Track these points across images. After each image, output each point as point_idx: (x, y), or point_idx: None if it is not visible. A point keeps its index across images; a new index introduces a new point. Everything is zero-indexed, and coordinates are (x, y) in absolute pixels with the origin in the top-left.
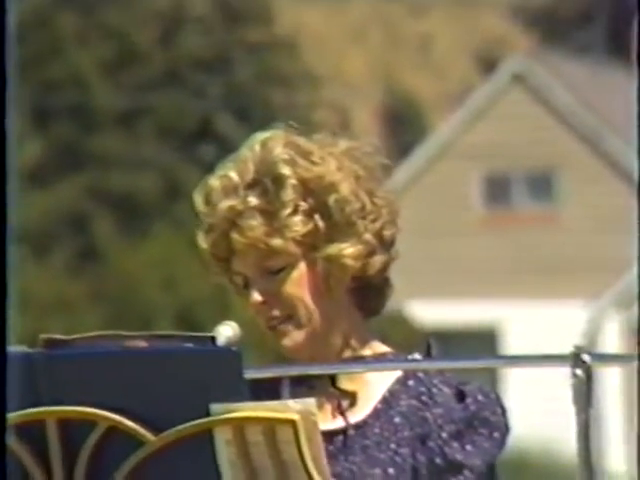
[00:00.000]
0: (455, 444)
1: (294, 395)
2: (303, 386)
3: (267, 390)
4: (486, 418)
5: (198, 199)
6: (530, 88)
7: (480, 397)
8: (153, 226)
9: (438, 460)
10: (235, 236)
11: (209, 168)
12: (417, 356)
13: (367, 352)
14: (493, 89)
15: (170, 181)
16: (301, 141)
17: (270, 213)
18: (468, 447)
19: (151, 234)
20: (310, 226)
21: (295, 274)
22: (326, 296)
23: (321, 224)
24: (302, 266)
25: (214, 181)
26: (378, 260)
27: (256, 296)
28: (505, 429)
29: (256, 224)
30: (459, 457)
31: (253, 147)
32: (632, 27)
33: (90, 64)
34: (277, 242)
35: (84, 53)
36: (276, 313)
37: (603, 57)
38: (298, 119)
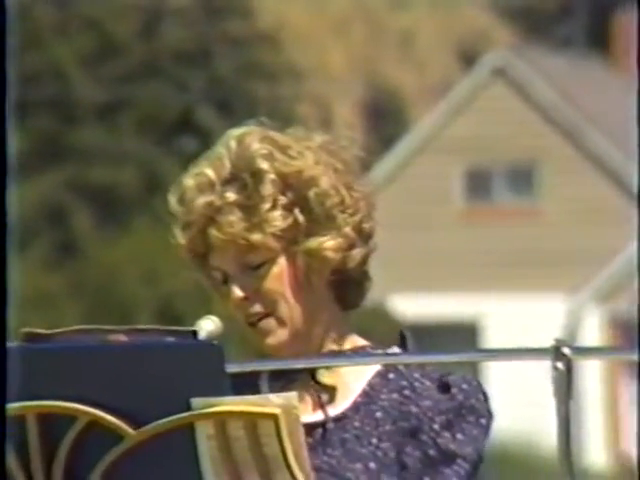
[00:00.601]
0: (447, 434)
1: (273, 389)
2: (282, 380)
3: (246, 384)
4: (472, 405)
5: (172, 199)
6: (511, 82)
7: (465, 386)
8: (133, 219)
9: (432, 452)
10: (214, 232)
11: (190, 161)
12: (396, 349)
13: (347, 346)
14: (474, 83)
15: (150, 174)
16: (277, 136)
17: (249, 208)
18: (459, 436)
19: (131, 227)
20: (290, 220)
21: (275, 269)
22: (307, 290)
23: (301, 218)
24: (282, 261)
25: (188, 180)
26: (358, 253)
27: (237, 292)
28: (489, 415)
29: (235, 219)
30: (452, 447)
31: (228, 144)
32: (612, 21)
33: (70, 56)
34: (257, 237)
35: (64, 45)
36: (257, 309)
37: (583, 51)
38: (280, 112)
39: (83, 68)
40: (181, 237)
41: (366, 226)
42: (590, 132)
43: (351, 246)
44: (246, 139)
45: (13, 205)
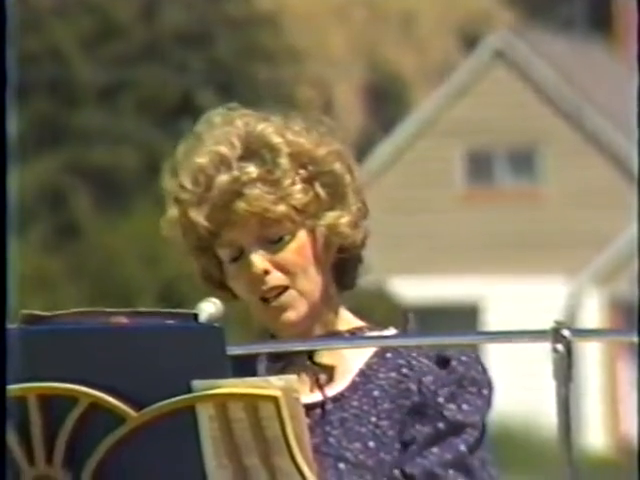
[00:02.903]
0: (452, 406)
1: (271, 371)
2: (280, 362)
3: (244, 366)
4: (473, 377)
5: (183, 180)
6: (512, 64)
7: (464, 358)
8: (133, 202)
9: (441, 425)
10: (242, 205)
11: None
12: (393, 331)
13: (345, 325)
14: (475, 66)
15: (151, 156)
16: (273, 117)
17: (272, 181)
18: (464, 406)
19: (131, 210)
20: (311, 195)
21: (296, 242)
22: (322, 265)
23: (321, 192)
24: (302, 234)
25: (200, 159)
26: (361, 232)
27: (259, 263)
28: (489, 386)
29: (261, 193)
30: (460, 417)
31: (232, 122)
32: (613, 3)
33: (70, 38)
34: (282, 209)
35: (64, 27)
36: (277, 282)
37: (585, 33)
38: (280, 95)
39: (83, 50)
40: (197, 214)
41: (365, 206)
42: (591, 114)
43: (357, 224)
44: (249, 120)
45: (13, 187)
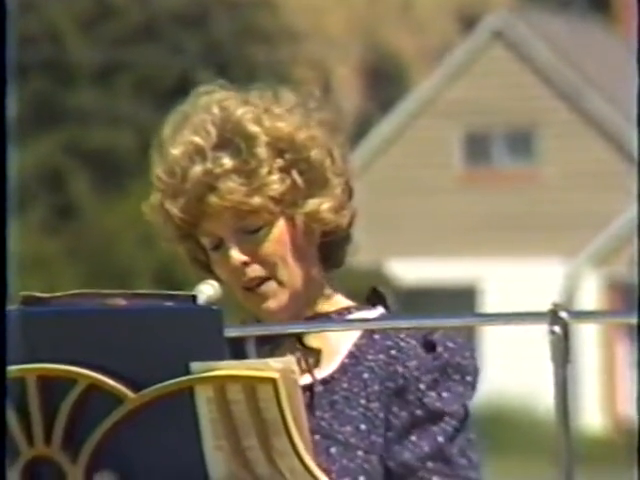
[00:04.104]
0: (433, 393)
1: (260, 354)
2: (268, 344)
3: (232, 349)
4: (458, 363)
5: (159, 171)
6: (510, 45)
7: (450, 344)
8: (131, 183)
9: (419, 412)
10: (214, 199)
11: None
12: (381, 310)
13: (333, 306)
14: (473, 46)
15: (147, 138)
16: (256, 99)
17: (247, 173)
18: (445, 394)
19: (129, 191)
20: (288, 183)
21: (275, 232)
22: (304, 252)
23: (299, 180)
24: (281, 224)
25: (173, 150)
26: (347, 214)
27: (237, 256)
28: (475, 371)
29: (235, 186)
30: (438, 405)
31: (209, 109)
32: None
33: (67, 18)
34: (258, 201)
35: (60, 7)
36: (256, 273)
37: (584, 13)
38: (278, 76)
39: (80, 30)
40: (172, 206)
41: (350, 187)
42: (590, 95)
43: (342, 207)
44: (228, 104)
45: (10, 169)
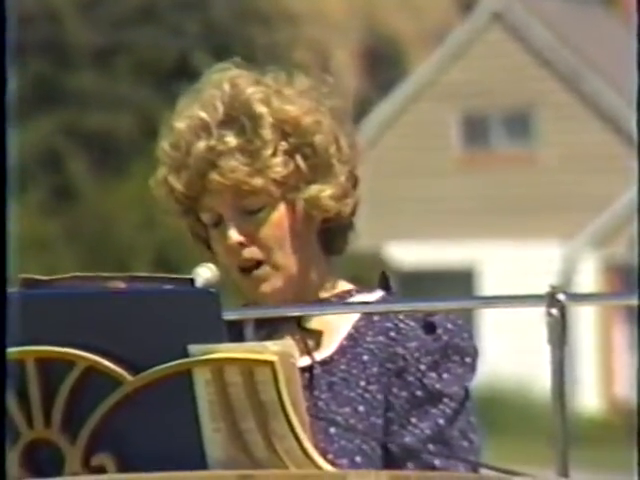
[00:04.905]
0: (433, 374)
1: (258, 337)
2: (267, 327)
3: (231, 332)
4: (457, 345)
5: (164, 144)
6: (509, 27)
7: (450, 325)
8: (130, 165)
9: (419, 393)
10: (215, 177)
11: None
12: (381, 293)
13: (334, 291)
14: (472, 28)
15: (147, 120)
16: (268, 80)
17: (251, 152)
18: (445, 375)
19: (128, 173)
20: (291, 167)
21: (275, 215)
22: (303, 238)
23: (302, 165)
24: (281, 207)
25: (179, 123)
26: (350, 202)
27: (234, 235)
28: (475, 352)
29: (237, 165)
30: (438, 387)
31: (219, 86)
32: None
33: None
34: (259, 182)
35: None
36: (252, 254)
37: None
38: (277, 58)
39: (79, 12)
40: (175, 180)
41: (356, 174)
42: (589, 77)
43: (345, 195)
44: (239, 82)
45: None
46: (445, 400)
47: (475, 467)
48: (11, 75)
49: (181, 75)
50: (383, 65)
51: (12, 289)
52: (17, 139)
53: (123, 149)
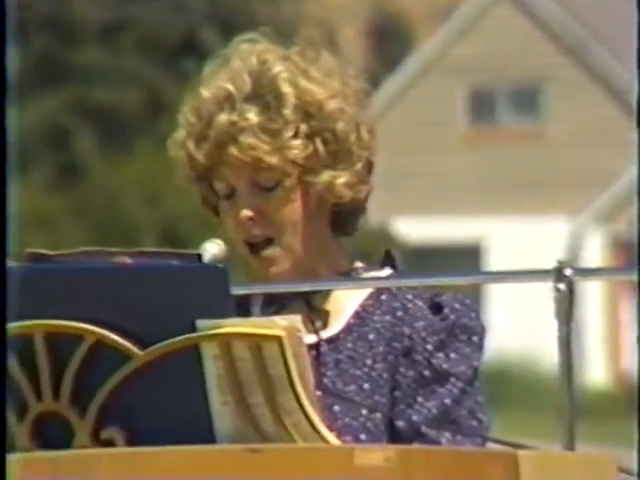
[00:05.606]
0: (440, 354)
1: (265, 314)
2: (274, 305)
3: (238, 309)
4: (465, 324)
5: (187, 109)
6: (517, 1)
7: (457, 305)
8: (136, 142)
9: (426, 372)
10: (234, 152)
11: (193, 83)
12: (389, 271)
13: (340, 269)
14: (479, 2)
15: (153, 96)
16: (297, 57)
17: (271, 131)
18: (452, 355)
19: (134, 150)
20: (310, 150)
21: (288, 195)
22: (313, 221)
23: (321, 149)
24: (296, 188)
25: (205, 92)
26: (365, 189)
27: (245, 210)
28: (482, 332)
29: (257, 142)
30: (445, 366)
31: (248, 59)
32: None
33: None
34: (276, 162)
35: None
36: (261, 231)
37: None
38: (283, 34)
39: None
40: (193, 148)
41: (372, 160)
42: (597, 51)
43: (360, 182)
44: (267, 57)
45: (14, 126)
46: (452, 380)
47: (483, 445)
48: (15, 50)
49: (187, 51)
50: (390, 40)
51: (14, 264)
52: (22, 115)
53: (129, 125)
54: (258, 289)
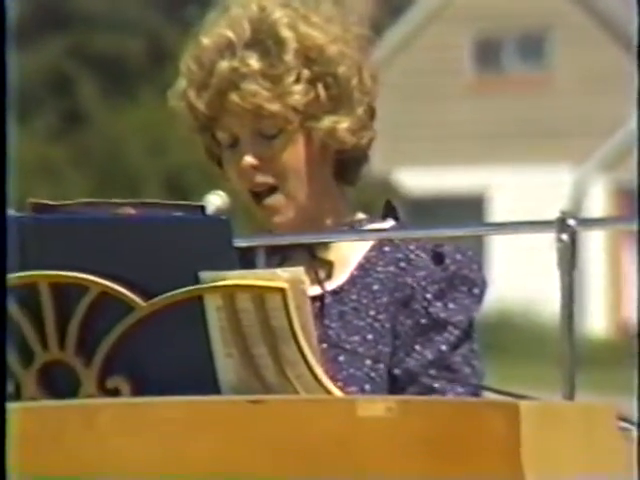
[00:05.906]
0: (438, 303)
1: (269, 265)
2: (278, 256)
3: (241, 260)
4: (465, 276)
5: (188, 58)
6: None
7: (458, 256)
8: (139, 90)
9: (423, 321)
10: (235, 99)
11: (195, 31)
12: (392, 222)
13: (344, 219)
14: None
15: (156, 44)
16: (296, 3)
17: (273, 77)
18: (451, 305)
19: (137, 98)
20: (311, 95)
21: (291, 142)
22: (317, 168)
23: (323, 94)
24: (298, 135)
25: (205, 40)
26: (367, 135)
27: (248, 158)
28: (483, 284)
29: (258, 89)
30: (443, 315)
31: (248, 6)
32: None
33: None
34: (278, 108)
35: None
36: (265, 179)
37: None
38: None
39: None
40: (195, 98)
41: (373, 106)
42: None
43: (362, 128)
44: (267, 4)
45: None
46: (449, 328)
47: (476, 391)
48: None
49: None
50: None
51: (15, 213)
52: (23, 62)
53: (132, 73)
54: (261, 241)
